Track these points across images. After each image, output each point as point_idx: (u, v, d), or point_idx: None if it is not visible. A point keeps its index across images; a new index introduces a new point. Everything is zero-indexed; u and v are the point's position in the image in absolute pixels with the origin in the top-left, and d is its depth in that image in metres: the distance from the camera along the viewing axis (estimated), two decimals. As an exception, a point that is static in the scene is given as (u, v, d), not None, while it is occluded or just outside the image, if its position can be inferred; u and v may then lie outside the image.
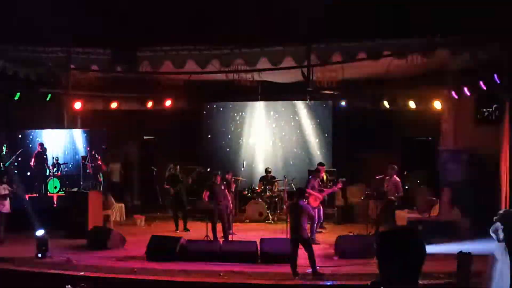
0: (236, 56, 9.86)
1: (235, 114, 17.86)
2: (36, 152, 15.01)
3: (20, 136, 15.26)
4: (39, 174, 15.09)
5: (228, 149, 17.84)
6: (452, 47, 9.42)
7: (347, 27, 9.17)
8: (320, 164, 14.59)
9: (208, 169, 16.54)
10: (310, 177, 13.89)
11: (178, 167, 14.91)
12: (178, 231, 14.14)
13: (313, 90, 11.39)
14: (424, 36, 9.22)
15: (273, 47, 9.58)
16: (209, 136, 17.93)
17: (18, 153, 14.95)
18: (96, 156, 15.44)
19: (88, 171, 15.37)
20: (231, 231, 13.31)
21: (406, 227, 3.15)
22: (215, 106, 17.76)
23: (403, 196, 14.09)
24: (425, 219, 13.06)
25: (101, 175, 15.56)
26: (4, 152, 14.78)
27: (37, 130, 15.50)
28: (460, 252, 8.16)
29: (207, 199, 12.99)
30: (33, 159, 14.97)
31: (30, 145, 15.43)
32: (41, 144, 15.03)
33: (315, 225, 12.86)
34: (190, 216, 15.14)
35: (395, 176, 13.22)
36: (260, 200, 15.86)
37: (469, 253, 8.12)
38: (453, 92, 14.00)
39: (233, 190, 14.34)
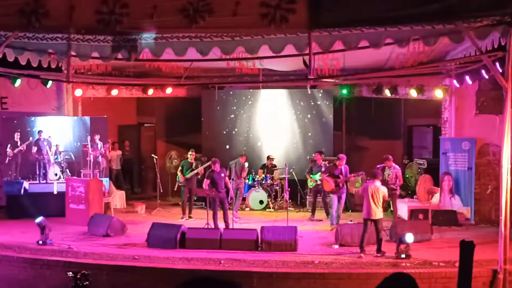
0: (237, 44, 9.78)
1: (236, 102, 17.82)
2: (36, 139, 14.99)
3: (15, 122, 15.19)
4: (39, 161, 15.06)
5: (228, 137, 17.82)
6: (453, 34, 9.35)
7: (348, 15, 9.12)
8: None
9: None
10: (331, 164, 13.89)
11: (192, 154, 14.81)
12: (183, 219, 14.14)
13: (314, 78, 11.32)
14: (425, 23, 9.15)
15: (275, 35, 9.50)
16: (209, 123, 17.90)
17: (29, 142, 14.92)
18: (101, 143, 15.41)
19: (88, 158, 15.34)
20: (236, 213, 13.66)
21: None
22: (215, 93, 17.70)
23: (403, 185, 14.12)
24: (425, 208, 13.07)
25: (104, 161, 15.54)
26: (15, 139, 14.77)
27: (37, 117, 15.46)
28: (463, 240, 8.15)
29: (207, 187, 12.98)
30: (35, 147, 14.92)
31: (29, 131, 15.40)
32: (41, 132, 14.99)
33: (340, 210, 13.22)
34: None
35: (394, 165, 13.22)
36: (260, 188, 15.88)
37: (472, 241, 8.10)
38: (454, 81, 13.97)
39: (244, 176, 14.51)
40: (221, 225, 12.72)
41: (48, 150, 14.99)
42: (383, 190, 11.03)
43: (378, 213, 10.84)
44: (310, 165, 15.11)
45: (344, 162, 13.26)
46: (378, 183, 11.06)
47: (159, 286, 10.06)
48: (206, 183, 13.02)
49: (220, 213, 12.96)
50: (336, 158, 13.91)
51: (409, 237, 10.32)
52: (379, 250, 10.75)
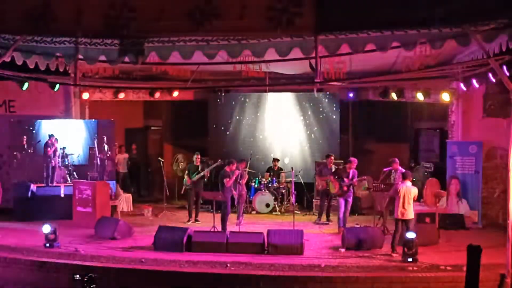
0: (244, 47, 9.81)
1: (242, 105, 17.84)
2: (46, 142, 15.08)
3: (26, 126, 15.25)
4: (47, 164, 15.14)
5: (234, 140, 17.83)
6: (460, 38, 9.34)
7: (355, 18, 9.13)
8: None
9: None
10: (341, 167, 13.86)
11: (197, 157, 14.79)
12: (190, 222, 14.16)
13: (320, 81, 11.33)
14: (432, 27, 9.15)
15: (281, 38, 9.53)
16: (216, 127, 17.93)
17: (35, 143, 15.00)
18: (109, 146, 15.48)
19: (95, 161, 15.42)
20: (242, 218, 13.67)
21: None
22: (222, 97, 17.73)
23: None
24: (432, 212, 13.02)
25: (111, 164, 15.58)
26: (24, 142, 14.86)
27: (44, 120, 15.53)
28: (470, 244, 8.14)
29: (231, 185, 13.04)
30: (49, 149, 14.98)
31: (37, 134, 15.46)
32: (52, 135, 15.09)
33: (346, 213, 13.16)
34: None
35: (401, 168, 13.18)
36: (267, 191, 15.87)
37: (479, 245, 8.08)
38: (461, 84, 13.94)
39: (243, 182, 14.36)
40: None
41: (56, 153, 15.07)
42: (414, 191, 11.15)
43: (409, 213, 10.99)
44: (319, 167, 15.10)
45: (355, 166, 13.23)
46: (409, 183, 11.18)
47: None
48: (229, 182, 13.02)
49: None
50: (343, 161, 13.90)
51: (410, 234, 10.37)
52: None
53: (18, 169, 14.93)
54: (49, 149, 14.95)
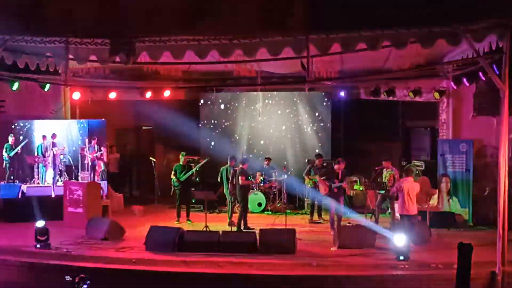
0: (235, 47, 9.81)
1: (234, 105, 17.82)
2: (41, 143, 15.02)
3: (14, 125, 15.17)
4: (38, 164, 15.08)
5: (226, 140, 17.81)
6: (450, 37, 9.39)
7: (346, 17, 9.16)
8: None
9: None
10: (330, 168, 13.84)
11: (185, 158, 14.77)
12: (178, 222, 14.13)
13: (312, 80, 11.36)
14: (423, 26, 9.19)
15: (272, 38, 9.54)
16: (207, 126, 17.90)
17: (23, 143, 14.92)
18: (99, 146, 15.43)
19: (86, 161, 15.36)
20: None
21: None
22: (213, 96, 17.72)
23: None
24: (423, 210, 13.08)
25: (102, 164, 15.52)
26: (10, 142, 14.77)
27: (35, 121, 15.45)
28: (461, 242, 8.18)
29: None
30: (43, 149, 14.93)
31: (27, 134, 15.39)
32: (45, 136, 15.03)
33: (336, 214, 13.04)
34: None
35: (392, 167, 13.21)
36: (259, 190, 15.86)
37: (470, 244, 8.13)
38: (451, 83, 14.00)
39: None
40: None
41: (46, 153, 15.01)
42: (417, 187, 11.31)
43: (413, 209, 11.11)
44: (308, 167, 15.09)
45: (343, 167, 13.16)
46: (411, 179, 11.30)
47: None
48: (244, 179, 13.22)
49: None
50: (334, 161, 13.87)
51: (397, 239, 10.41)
52: None
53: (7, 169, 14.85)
54: (43, 149, 14.90)
